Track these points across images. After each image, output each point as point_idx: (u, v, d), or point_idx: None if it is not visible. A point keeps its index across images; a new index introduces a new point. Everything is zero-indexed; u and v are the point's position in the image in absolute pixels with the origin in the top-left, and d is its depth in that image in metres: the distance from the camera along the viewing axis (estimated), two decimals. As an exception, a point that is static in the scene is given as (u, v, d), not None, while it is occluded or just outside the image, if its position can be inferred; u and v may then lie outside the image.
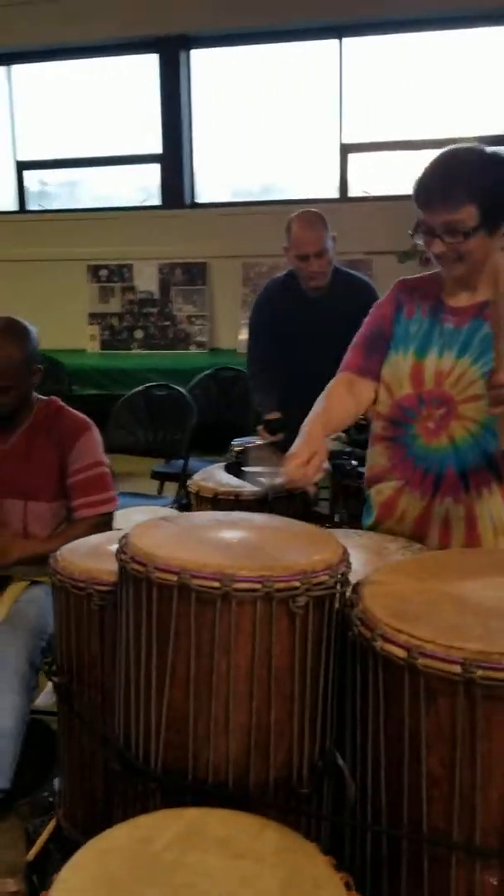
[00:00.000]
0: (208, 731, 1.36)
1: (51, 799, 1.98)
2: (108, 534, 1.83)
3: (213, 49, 6.13)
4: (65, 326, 6.04)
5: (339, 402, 1.98)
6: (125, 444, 4.04)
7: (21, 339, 2.22)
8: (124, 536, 1.48)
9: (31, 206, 6.68)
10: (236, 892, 1.10)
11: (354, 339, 2.04)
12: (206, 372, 4.71)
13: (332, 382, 2.01)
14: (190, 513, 2.38)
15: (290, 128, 6.14)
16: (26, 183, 6.62)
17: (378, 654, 1.27)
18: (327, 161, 6.11)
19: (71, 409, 2.31)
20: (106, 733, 1.54)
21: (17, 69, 6.40)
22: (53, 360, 5.08)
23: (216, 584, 1.31)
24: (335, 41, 5.86)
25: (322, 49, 5.92)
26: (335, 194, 6.13)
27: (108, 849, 1.21)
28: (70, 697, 1.70)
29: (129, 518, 2.51)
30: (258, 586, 1.31)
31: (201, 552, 1.39)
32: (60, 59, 6.23)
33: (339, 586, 1.39)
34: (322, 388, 2.02)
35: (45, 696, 1.99)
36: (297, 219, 3.22)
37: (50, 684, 1.90)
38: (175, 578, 1.33)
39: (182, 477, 3.45)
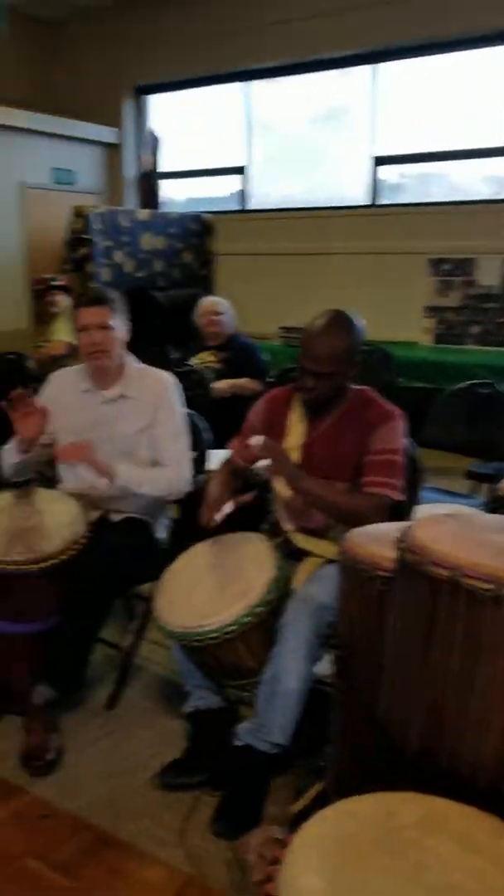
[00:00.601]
0: (466, 729, 1.38)
1: (322, 763, 2.11)
2: (399, 523, 1.88)
3: None
4: (400, 318, 6.14)
5: None
6: (442, 439, 4.00)
7: (347, 332, 2.33)
8: (407, 527, 1.53)
9: (384, 199, 6.86)
10: (465, 884, 1.12)
11: None
12: (541, 373, 4.51)
13: None
14: (478, 513, 2.35)
15: None
16: (382, 176, 6.80)
17: None
18: None
19: (381, 398, 2.39)
20: (371, 710, 1.62)
21: (382, 67, 6.58)
22: (384, 350, 5.18)
23: (488, 587, 1.32)
24: None
25: None
26: None
27: (353, 812, 1.29)
28: (345, 671, 1.80)
29: (430, 513, 2.54)
30: (531, 595, 1.29)
31: (478, 553, 1.40)
32: (423, 55, 6.29)
33: None
34: None
35: (326, 666, 2.11)
36: None
37: (330, 655, 2.02)
38: (447, 574, 1.36)
39: (496, 479, 3.36)
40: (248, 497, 2.39)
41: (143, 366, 2.76)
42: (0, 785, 2.23)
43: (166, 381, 2.72)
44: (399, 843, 1.20)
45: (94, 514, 2.60)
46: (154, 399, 2.67)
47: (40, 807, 2.15)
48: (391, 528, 1.87)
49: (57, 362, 4.39)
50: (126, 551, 2.52)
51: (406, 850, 1.18)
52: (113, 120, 7.67)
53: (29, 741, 2.33)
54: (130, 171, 7.87)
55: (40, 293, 5.67)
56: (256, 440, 2.22)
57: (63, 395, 2.74)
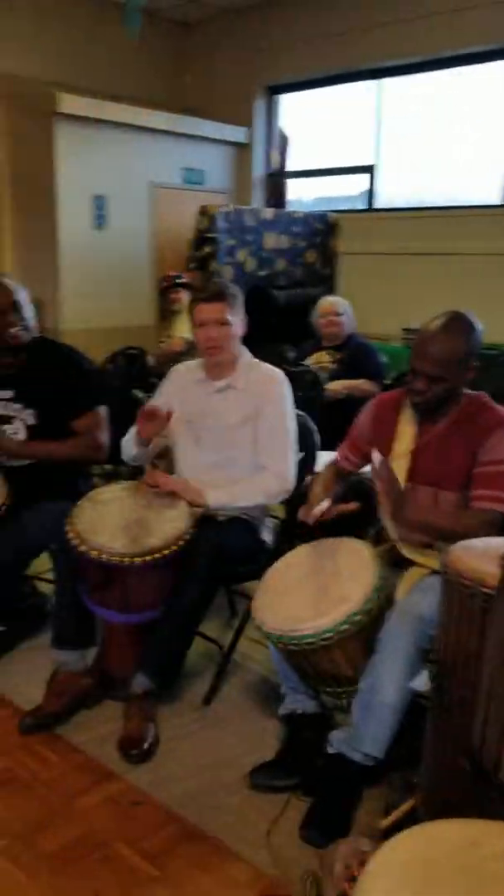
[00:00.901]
0: None
1: (416, 780, 2.05)
2: (506, 538, 1.81)
3: None
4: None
5: None
6: None
7: (465, 334, 2.24)
8: (511, 544, 1.47)
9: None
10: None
11: None
12: None
13: None
14: None
15: None
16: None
17: None
18: None
19: (497, 405, 2.29)
20: (464, 732, 1.56)
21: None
22: (505, 355, 4.98)
23: None
24: None
25: None
26: None
27: (436, 837, 1.25)
28: (441, 687, 1.75)
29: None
30: None
31: None
32: None
33: None
34: None
35: (423, 680, 2.04)
36: None
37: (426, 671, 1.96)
38: (550, 596, 1.29)
39: None
40: (351, 506, 2.35)
41: (256, 360, 2.78)
42: (97, 769, 2.29)
43: (276, 377, 2.72)
44: (481, 874, 1.14)
45: (200, 511, 2.63)
46: (260, 392, 2.68)
47: (133, 794, 2.19)
48: (499, 544, 1.79)
49: (176, 359, 4.47)
50: (230, 550, 2.54)
51: (489, 882, 1.13)
52: (243, 119, 7.73)
53: (127, 728, 2.39)
54: (259, 170, 7.93)
55: (165, 290, 5.80)
56: (376, 456, 2.19)
57: (179, 387, 2.82)
